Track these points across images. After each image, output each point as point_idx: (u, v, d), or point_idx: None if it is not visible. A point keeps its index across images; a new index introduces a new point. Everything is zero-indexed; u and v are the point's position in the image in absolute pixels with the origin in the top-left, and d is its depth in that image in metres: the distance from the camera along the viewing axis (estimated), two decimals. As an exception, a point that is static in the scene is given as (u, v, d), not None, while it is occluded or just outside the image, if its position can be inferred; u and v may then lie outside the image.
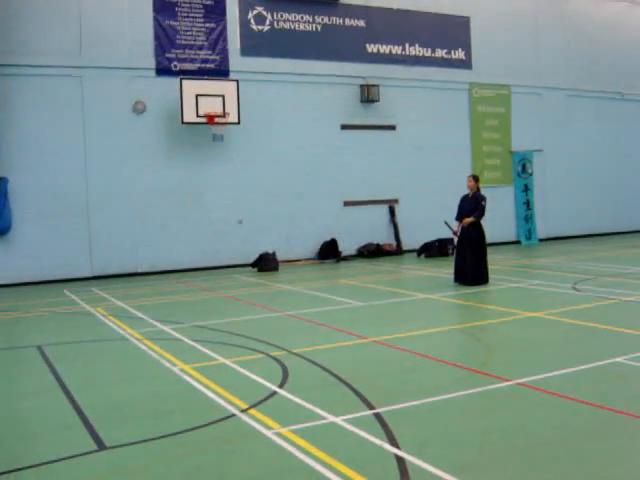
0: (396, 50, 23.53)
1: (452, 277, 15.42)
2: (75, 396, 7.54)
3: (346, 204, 22.74)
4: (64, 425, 6.64)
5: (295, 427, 6.18)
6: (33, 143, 18.77)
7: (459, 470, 5.11)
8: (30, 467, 5.58)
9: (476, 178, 15.54)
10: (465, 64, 24.83)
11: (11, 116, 18.50)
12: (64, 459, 5.70)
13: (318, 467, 5.27)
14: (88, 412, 6.93)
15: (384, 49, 23.35)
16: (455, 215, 15.43)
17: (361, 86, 22.80)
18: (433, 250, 22.06)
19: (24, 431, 6.70)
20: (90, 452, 5.86)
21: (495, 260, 18.75)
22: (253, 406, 6.85)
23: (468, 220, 14.94)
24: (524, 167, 25.83)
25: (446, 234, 19.73)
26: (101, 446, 5.98)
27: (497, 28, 25.43)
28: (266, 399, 7.10)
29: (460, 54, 24.69)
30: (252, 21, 21.41)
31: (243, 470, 5.41)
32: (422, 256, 22.17)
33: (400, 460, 5.35)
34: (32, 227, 18.76)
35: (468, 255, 14.96)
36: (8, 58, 18.40)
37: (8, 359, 10.14)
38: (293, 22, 21.95)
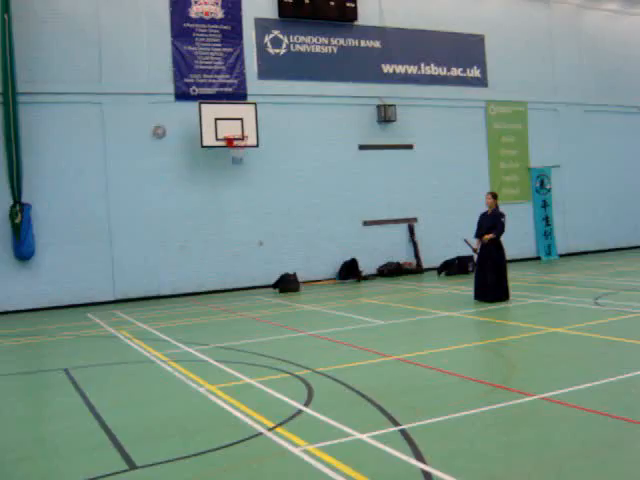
0: (412, 70, 23.71)
1: (473, 294, 15.44)
2: (104, 417, 7.65)
3: (365, 224, 22.84)
4: (94, 446, 6.75)
5: (322, 444, 6.25)
6: (55, 169, 19.06)
7: (486, 484, 5.17)
8: (63, 487, 5.70)
9: (495, 195, 15.60)
10: (481, 82, 24.96)
11: (33, 143, 18.78)
12: (95, 479, 5.80)
13: (345, 483, 5.35)
14: (117, 433, 7.04)
15: (400, 69, 23.53)
16: (474, 233, 15.49)
17: (378, 106, 22.97)
18: (453, 268, 22.09)
19: (54, 452, 6.80)
20: (121, 472, 5.95)
21: (516, 276, 18.77)
22: (280, 424, 6.93)
23: (488, 237, 14.98)
24: (542, 183, 25.85)
25: (466, 252, 19.78)
26: (132, 466, 6.08)
27: (512, 45, 25.56)
28: (292, 417, 7.18)
29: (475, 72, 24.82)
30: (269, 44, 21.66)
31: (272, 487, 5.50)
32: (442, 274, 22.21)
33: (427, 475, 5.41)
34: (55, 252, 19.01)
35: (488, 272, 14.99)
36: (29, 86, 18.71)
37: (36, 382, 10.30)
38: (309, 45, 22.19)
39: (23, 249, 18.52)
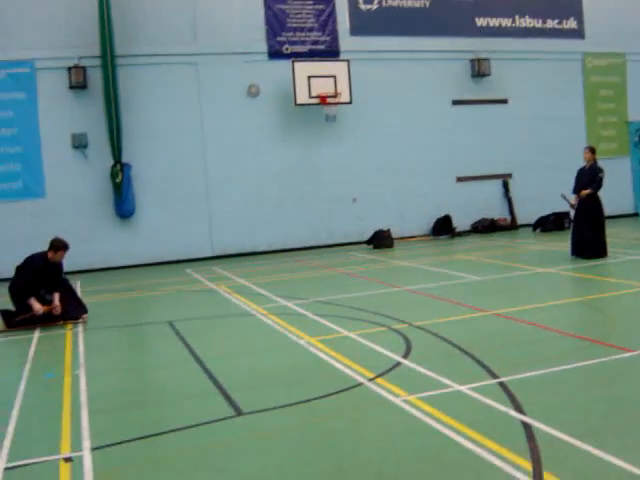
0: (506, 22, 23.24)
1: (569, 250, 15.25)
2: (209, 367, 7.97)
3: (459, 180, 22.71)
4: (201, 393, 7.08)
5: (421, 395, 6.40)
6: (153, 129, 19.57)
7: (585, 436, 5.20)
8: (173, 430, 6.01)
9: (593, 150, 15.32)
10: (577, 33, 24.27)
11: (132, 104, 19.29)
12: (204, 423, 6.10)
13: (446, 431, 5.49)
14: (223, 381, 7.34)
15: (494, 22, 23.10)
16: (572, 188, 15.26)
17: (471, 61, 22.65)
18: (549, 224, 21.77)
19: (164, 398, 7.17)
20: (228, 417, 6.25)
21: (613, 233, 18.38)
22: (379, 375, 7.11)
23: (586, 192, 14.74)
24: (641, 137, 25.14)
25: (562, 208, 19.48)
26: (238, 412, 6.37)
27: (610, -6, 24.73)
28: (391, 369, 7.35)
29: (572, 23, 24.14)
30: (360, 0, 21.55)
31: (375, 433, 5.69)
32: (538, 230, 21.93)
33: (526, 426, 5.50)
34: (154, 210, 19.60)
35: (586, 228, 14.76)
36: (127, 48, 19.17)
37: (143, 334, 10.78)
38: (401, -1, 22.01)
39: (124, 207, 19.16)
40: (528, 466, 4.77)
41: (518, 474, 4.66)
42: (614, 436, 5.24)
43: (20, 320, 11.08)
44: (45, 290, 11.37)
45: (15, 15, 18.55)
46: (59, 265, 11.63)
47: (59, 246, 11.45)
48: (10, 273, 16.77)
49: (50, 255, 11.43)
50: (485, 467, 4.84)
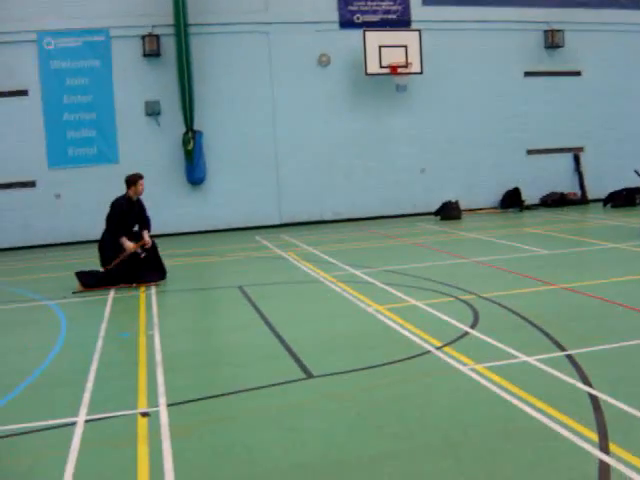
0: (581, -7, 22.76)
1: (641, 226, 15.05)
2: (279, 331, 8.17)
3: (529, 152, 22.44)
4: (273, 356, 7.28)
5: (489, 364, 6.49)
6: (225, 98, 19.81)
7: (653, 409, 5.25)
8: (247, 390, 6.24)
9: (669, 124, 15.02)
10: (656, 5, 23.64)
11: (204, 73, 19.54)
12: (276, 384, 6.31)
13: (513, 400, 5.57)
14: (293, 345, 7.53)
15: (569, -8, 22.63)
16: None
17: (545, 31, 22.25)
18: (620, 199, 21.36)
19: (237, 360, 7.40)
20: (299, 379, 6.44)
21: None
22: (447, 344, 7.21)
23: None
24: None
25: (634, 183, 19.15)
26: (309, 375, 6.55)
27: (693, -36, 23.99)
28: (459, 338, 7.44)
29: (650, -6, 23.53)
30: (434, -30, 21.35)
31: (443, 399, 5.81)
32: (608, 206, 21.55)
33: (593, 397, 5.55)
34: (225, 177, 19.89)
35: (659, 203, 14.54)
36: (200, 17, 19.38)
37: (214, 298, 11.05)
38: (475, -31, 21.71)
39: (195, 174, 19.50)
40: (594, 437, 4.83)
41: (585, 444, 4.73)
42: (682, 411, 5.27)
43: (111, 267, 11.53)
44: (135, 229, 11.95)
45: (92, -16, 18.92)
46: (141, 203, 12.08)
47: (135, 179, 11.92)
48: (86, 235, 17.50)
49: (131, 192, 11.88)
50: (551, 436, 4.91)
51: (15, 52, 18.69)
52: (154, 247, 12.04)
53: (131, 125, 19.23)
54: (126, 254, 11.55)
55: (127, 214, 11.80)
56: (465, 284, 10.26)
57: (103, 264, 11.77)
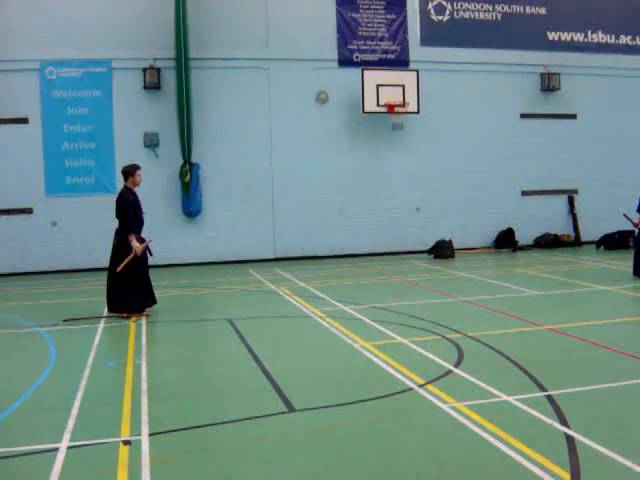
0: (578, 37, 23.09)
1: (632, 270, 15.14)
2: (265, 364, 8.25)
3: (524, 193, 22.64)
4: (257, 389, 7.35)
5: (469, 403, 6.57)
6: (223, 131, 20.03)
7: (627, 453, 5.28)
8: (230, 422, 6.31)
9: (659, 169, 15.19)
10: (651, 50, 24.00)
11: (203, 106, 19.78)
12: (257, 417, 6.38)
13: (491, 439, 5.64)
14: (278, 379, 7.60)
15: (565, 36, 22.98)
16: (636, 206, 15.14)
17: (541, 74, 22.57)
18: (613, 242, 21.54)
19: (220, 392, 7.48)
20: (281, 413, 6.51)
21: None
22: (430, 382, 7.29)
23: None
24: None
25: (627, 226, 19.27)
26: (291, 408, 6.62)
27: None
28: (442, 376, 7.52)
29: (646, 40, 23.89)
30: (432, 11, 21.70)
31: (421, 436, 5.89)
32: (601, 248, 21.73)
33: (569, 438, 5.63)
34: (220, 210, 20.06)
35: (649, 248, 14.66)
36: (201, 52, 19.68)
37: (203, 330, 11.12)
38: (473, 11, 22.05)
39: (191, 206, 19.66)
40: (567, 476, 4.90)
41: (557, 483, 4.80)
42: (657, 454, 5.34)
43: (121, 269, 11.70)
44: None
45: (95, 17, 19.21)
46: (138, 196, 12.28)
47: (132, 170, 12.21)
48: (81, 264, 17.72)
49: (130, 184, 12.02)
50: (525, 475, 4.98)
51: (17, 80, 18.95)
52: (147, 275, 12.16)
53: (129, 156, 19.23)
54: (132, 256, 11.68)
55: (137, 204, 11.95)
56: (453, 323, 10.34)
57: (115, 264, 11.81)
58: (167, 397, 7.18)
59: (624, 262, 17.24)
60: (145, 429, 6.09)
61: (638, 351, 8.63)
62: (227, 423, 6.27)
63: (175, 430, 6.09)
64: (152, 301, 12.19)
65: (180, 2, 18.98)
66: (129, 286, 11.65)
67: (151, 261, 12.69)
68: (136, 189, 12.27)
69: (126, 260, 11.69)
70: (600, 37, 23.36)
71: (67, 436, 5.98)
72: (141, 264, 11.90)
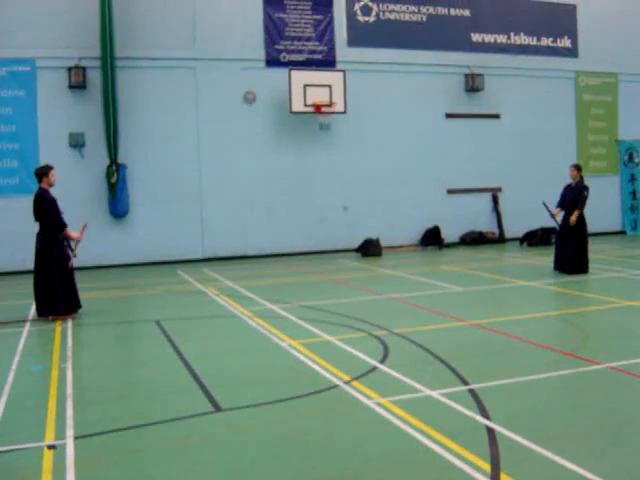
0: (501, 39, 23.58)
1: (552, 265, 15.55)
2: (192, 365, 8.26)
3: (449, 192, 23.00)
4: (183, 389, 7.36)
5: (394, 398, 6.70)
6: (150, 131, 19.83)
7: (545, 442, 5.49)
8: (155, 423, 6.31)
9: (578, 167, 15.62)
10: (571, 52, 24.62)
11: (129, 106, 19.55)
12: (185, 417, 6.40)
13: (414, 433, 5.78)
14: (204, 379, 7.62)
15: (489, 38, 23.43)
16: (557, 203, 15.54)
17: (465, 75, 22.97)
18: (536, 238, 22.11)
19: (147, 393, 7.45)
20: (207, 413, 6.55)
21: (599, 250, 18.70)
22: (355, 379, 7.40)
23: (573, 219, 14.96)
24: (631, 156, 25.45)
25: (549, 223, 19.72)
26: (217, 408, 6.66)
27: (604, 16, 24.96)
28: (367, 373, 7.64)
29: (566, 42, 24.50)
30: (358, 12, 21.88)
31: (346, 432, 5.98)
32: (525, 244, 22.27)
33: (490, 430, 5.80)
34: (148, 211, 19.85)
35: (569, 244, 15.06)
36: (127, 51, 19.43)
37: (130, 332, 11.04)
38: (399, 13, 22.30)
39: (118, 207, 19.41)
40: (487, 468, 5.06)
41: (477, 475, 4.94)
42: (572, 443, 5.54)
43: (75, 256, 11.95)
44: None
45: (17, 14, 18.81)
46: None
47: (46, 170, 11.93)
48: (4, 267, 17.32)
49: (45, 184, 11.81)
50: (447, 467, 5.12)
51: (-64, 80, 18.46)
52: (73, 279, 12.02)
53: (54, 156, 18.88)
54: (77, 243, 11.94)
55: (56, 203, 11.82)
56: (379, 320, 10.49)
57: (58, 264, 11.62)
58: (92, 400, 7.13)
59: (546, 258, 17.68)
60: (70, 433, 6.05)
61: (556, 343, 8.92)
62: (153, 424, 6.27)
63: (100, 433, 6.06)
64: (77, 305, 12.00)
65: (105, 0, 18.76)
66: (57, 287, 11.47)
67: (77, 263, 12.53)
68: (51, 190, 11.99)
69: (74, 252, 11.81)
70: (522, 39, 23.89)
71: (-11, 442, 5.91)
72: (66, 265, 11.72)
